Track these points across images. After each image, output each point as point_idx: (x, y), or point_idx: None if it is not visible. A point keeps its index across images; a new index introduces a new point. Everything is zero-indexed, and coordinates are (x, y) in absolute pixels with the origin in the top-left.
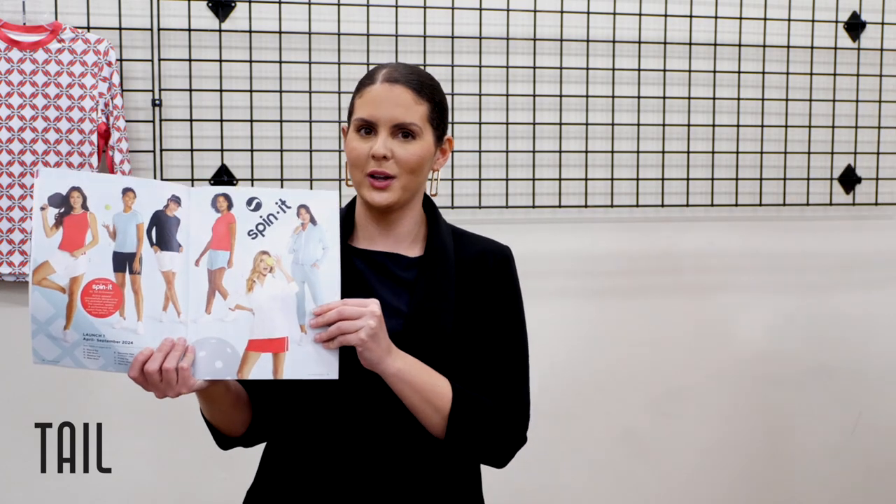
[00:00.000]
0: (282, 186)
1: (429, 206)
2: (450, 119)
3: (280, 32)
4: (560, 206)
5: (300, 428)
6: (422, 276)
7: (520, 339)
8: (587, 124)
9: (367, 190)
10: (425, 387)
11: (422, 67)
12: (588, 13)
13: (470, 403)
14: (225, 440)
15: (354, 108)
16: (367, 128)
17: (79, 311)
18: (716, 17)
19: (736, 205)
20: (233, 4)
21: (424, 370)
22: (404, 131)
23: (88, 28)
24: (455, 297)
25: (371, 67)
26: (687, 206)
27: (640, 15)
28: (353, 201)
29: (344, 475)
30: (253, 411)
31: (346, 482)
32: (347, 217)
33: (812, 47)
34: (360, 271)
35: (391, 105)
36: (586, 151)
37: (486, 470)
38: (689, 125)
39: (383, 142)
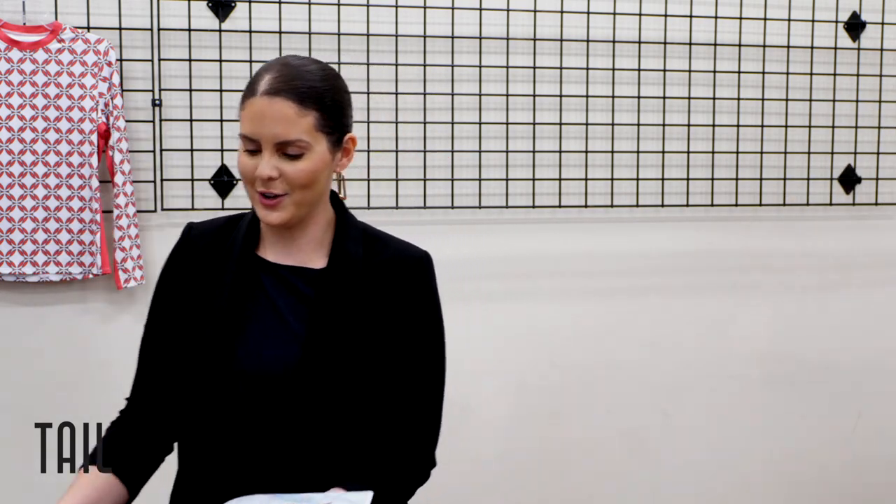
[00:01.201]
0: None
1: (338, 209)
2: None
3: (280, 32)
4: (560, 206)
5: (200, 438)
6: (323, 293)
7: (435, 354)
8: (587, 124)
9: (259, 209)
10: None
11: (314, 61)
12: (588, 13)
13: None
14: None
15: (241, 119)
16: (252, 147)
17: None
18: (716, 17)
19: (736, 205)
20: (233, 4)
21: None
22: (289, 150)
23: (88, 28)
24: (361, 310)
25: (258, 69)
26: (687, 206)
27: (640, 15)
28: None
29: (251, 467)
30: (150, 437)
31: (254, 473)
32: (253, 225)
33: (812, 47)
34: (265, 288)
35: (273, 122)
36: (586, 151)
37: (485, 470)
38: (689, 125)
39: (268, 162)
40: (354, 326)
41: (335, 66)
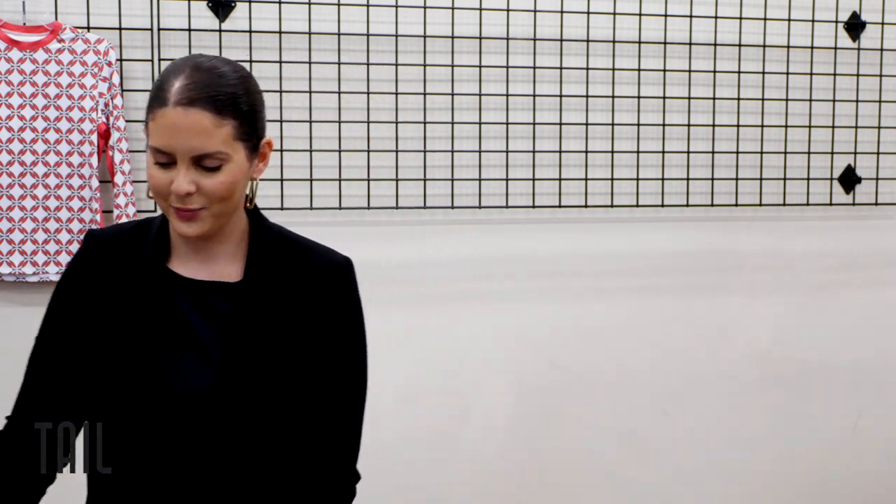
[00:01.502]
0: (282, 186)
1: (253, 216)
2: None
3: (280, 32)
4: (560, 206)
5: (119, 460)
6: (239, 309)
7: (357, 365)
8: (587, 124)
9: (175, 220)
10: None
11: (225, 61)
12: (588, 13)
13: None
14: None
15: (150, 129)
16: (164, 160)
17: None
18: (716, 17)
19: (736, 205)
20: (233, 4)
21: None
22: (206, 163)
23: (88, 28)
24: (281, 323)
25: (163, 72)
26: (687, 206)
27: (640, 15)
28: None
29: (169, 494)
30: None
31: (173, 499)
32: (161, 234)
33: (812, 47)
34: (179, 306)
35: (189, 134)
36: (586, 151)
37: (485, 470)
38: (689, 125)
39: (185, 176)
40: (273, 342)
41: (335, 67)
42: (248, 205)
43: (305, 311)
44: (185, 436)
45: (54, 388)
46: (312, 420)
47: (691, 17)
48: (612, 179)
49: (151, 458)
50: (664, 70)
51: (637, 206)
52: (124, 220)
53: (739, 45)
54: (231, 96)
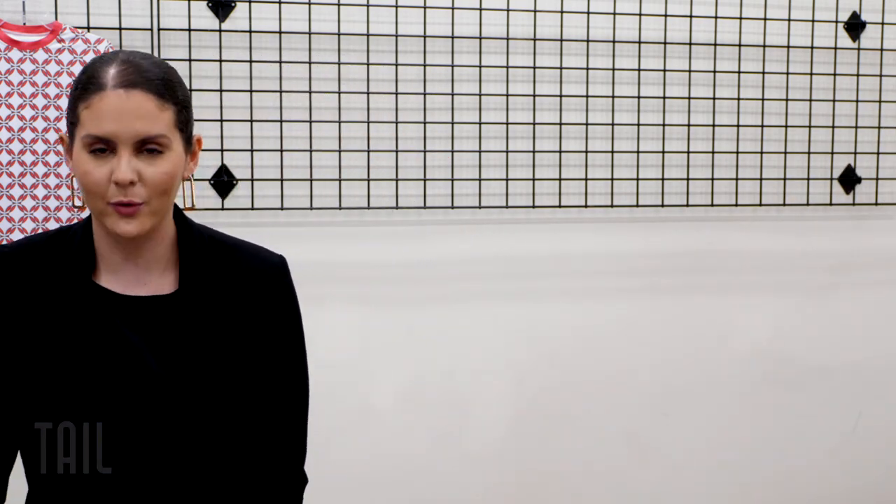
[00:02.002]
0: (281, 186)
1: (180, 220)
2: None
3: (280, 32)
4: (560, 206)
5: (61, 484)
6: (175, 323)
7: (298, 365)
8: (587, 124)
9: (113, 219)
10: None
11: (149, 55)
12: (588, 13)
13: None
14: None
15: (80, 120)
16: (102, 147)
17: None
18: (716, 17)
19: (736, 205)
20: (233, 4)
21: None
22: (150, 146)
23: (88, 28)
24: (219, 331)
25: (87, 66)
26: (687, 206)
27: (640, 15)
28: (88, 224)
29: None
30: None
31: None
32: (84, 243)
33: (812, 47)
34: (109, 317)
35: (132, 117)
36: (586, 151)
37: (485, 470)
38: (689, 125)
39: (127, 163)
40: (211, 350)
41: (335, 67)
42: (188, 206)
43: (242, 315)
44: (129, 449)
45: None
46: (255, 425)
47: (691, 17)
48: (612, 179)
49: (94, 473)
50: (664, 70)
51: (637, 206)
52: None
53: (739, 45)
54: (169, 83)
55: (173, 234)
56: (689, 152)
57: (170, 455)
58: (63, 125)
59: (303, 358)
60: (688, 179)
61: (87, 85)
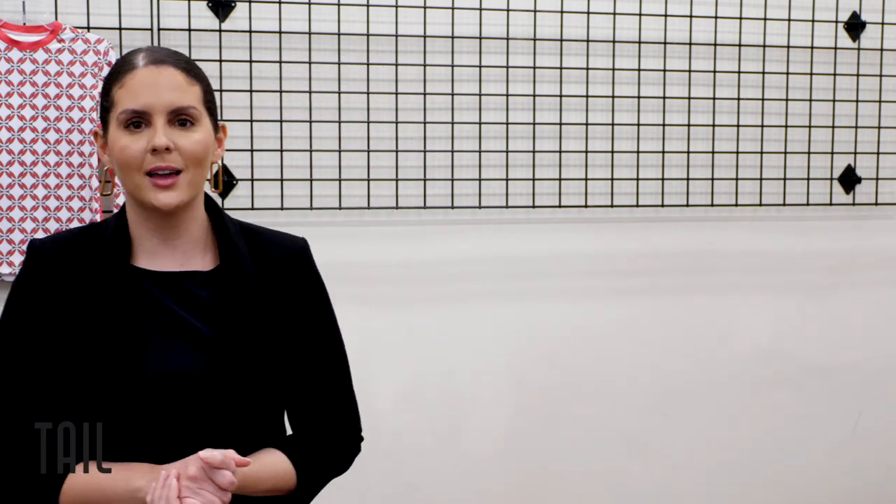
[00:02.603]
0: (281, 186)
1: (211, 207)
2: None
3: (280, 32)
4: (560, 206)
5: (118, 446)
6: (221, 294)
7: (335, 336)
8: (587, 124)
9: (151, 192)
10: (268, 485)
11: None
12: (588, 13)
13: (311, 467)
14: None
15: (115, 101)
16: (138, 120)
17: None
18: (716, 17)
19: (736, 205)
20: (233, 4)
21: (260, 478)
22: (182, 117)
23: (88, 28)
24: (260, 305)
25: (118, 60)
26: (687, 206)
27: (640, 15)
28: (123, 213)
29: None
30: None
31: None
32: (119, 232)
33: (812, 47)
34: (152, 293)
35: (164, 89)
36: (586, 151)
37: (485, 470)
38: (689, 125)
39: (162, 131)
40: (256, 323)
41: (335, 67)
42: (216, 188)
43: (276, 292)
44: (186, 420)
45: (35, 404)
46: (308, 388)
47: (691, 17)
48: (612, 179)
49: (154, 438)
50: (664, 70)
51: (637, 206)
52: None
53: (739, 45)
54: (193, 64)
55: (206, 219)
56: (689, 152)
57: (226, 419)
58: (63, 125)
59: (337, 328)
60: (688, 179)
61: (119, 69)
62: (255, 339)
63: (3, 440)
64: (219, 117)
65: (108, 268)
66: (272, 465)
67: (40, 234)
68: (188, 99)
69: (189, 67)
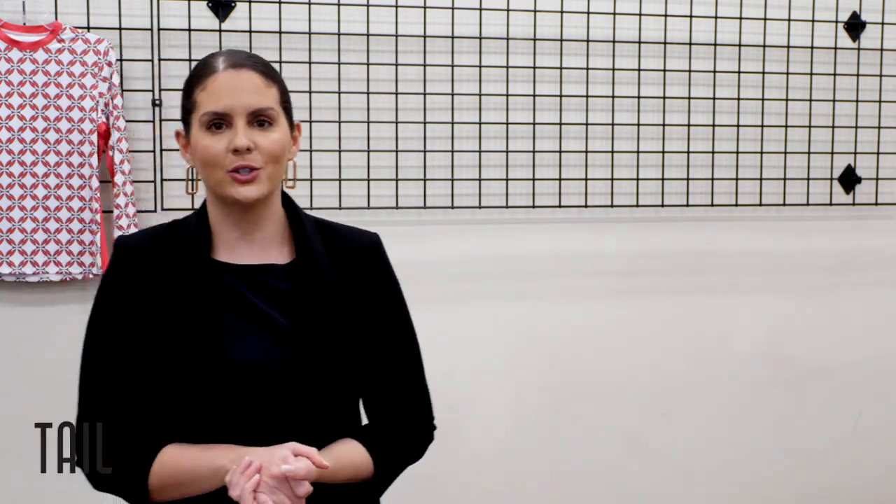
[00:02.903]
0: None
1: (287, 203)
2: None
3: (280, 32)
4: (560, 206)
5: (198, 433)
6: (299, 286)
7: (408, 328)
8: (587, 124)
9: (232, 186)
10: (347, 474)
11: None
12: (588, 13)
13: (387, 456)
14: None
15: (197, 103)
16: (219, 121)
17: None
18: (716, 17)
19: (736, 205)
20: (233, 4)
21: (340, 468)
22: (261, 118)
23: (88, 28)
24: (336, 298)
25: (199, 62)
26: (687, 206)
27: (640, 15)
28: (204, 210)
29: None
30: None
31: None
32: (200, 227)
33: (812, 47)
34: (232, 285)
35: (243, 91)
36: (586, 151)
37: (485, 470)
38: (689, 125)
39: (243, 132)
40: (334, 313)
41: (335, 67)
42: (289, 185)
43: (351, 284)
44: (266, 409)
45: (127, 387)
46: (382, 381)
47: (691, 17)
48: (612, 179)
49: (234, 425)
50: (664, 70)
51: (637, 206)
52: (124, 219)
53: (739, 45)
54: (270, 67)
55: (283, 215)
56: (689, 152)
57: (305, 407)
58: (63, 125)
59: (410, 320)
60: (688, 179)
61: (200, 73)
62: (332, 330)
63: (96, 425)
64: (293, 117)
65: (189, 261)
66: (350, 456)
67: (40, 234)
68: (266, 100)
69: (266, 70)
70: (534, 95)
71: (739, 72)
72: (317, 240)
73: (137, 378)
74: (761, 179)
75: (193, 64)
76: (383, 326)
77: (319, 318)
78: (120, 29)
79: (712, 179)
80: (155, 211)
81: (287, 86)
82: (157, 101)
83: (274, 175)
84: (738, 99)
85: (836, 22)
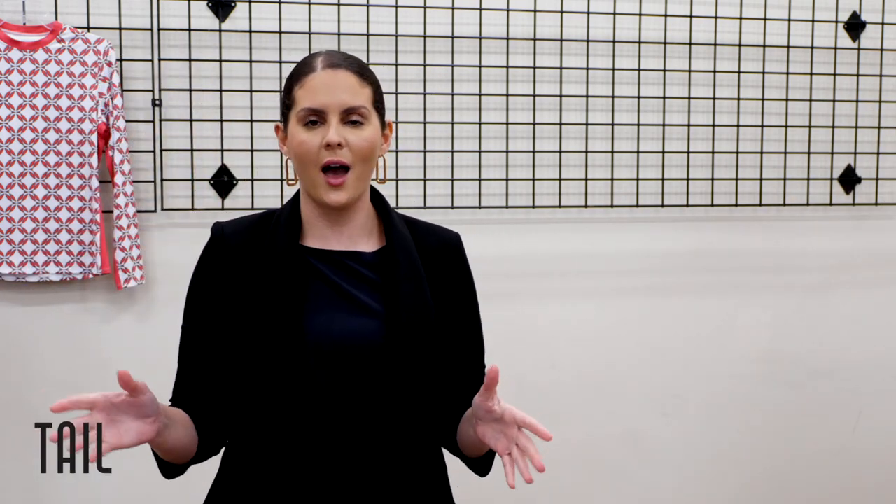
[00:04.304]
0: (281, 186)
1: (377, 197)
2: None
3: (280, 32)
4: (560, 206)
5: (262, 425)
6: (389, 271)
7: (479, 327)
8: (587, 124)
9: (324, 191)
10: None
11: None
12: (588, 13)
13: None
14: (172, 470)
15: (295, 100)
16: (314, 118)
17: None
18: (716, 17)
19: (736, 205)
20: (233, 4)
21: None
22: (354, 117)
23: (88, 28)
24: (421, 286)
25: (301, 61)
26: (687, 206)
27: (640, 15)
28: (297, 198)
29: (308, 473)
30: (201, 431)
31: (311, 479)
32: (293, 216)
33: (812, 47)
34: (319, 269)
35: (338, 90)
36: (586, 151)
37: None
38: (689, 125)
39: (336, 129)
40: (420, 301)
41: None
42: (379, 180)
43: (437, 279)
44: (355, 391)
45: (213, 369)
46: (452, 373)
47: (691, 17)
48: (612, 179)
49: (318, 405)
50: (664, 70)
51: (637, 206)
52: (124, 219)
53: (739, 45)
54: (366, 68)
55: (372, 208)
56: (689, 152)
57: (393, 391)
58: (63, 125)
59: (480, 319)
60: (688, 179)
61: (300, 71)
62: (421, 315)
63: (184, 403)
64: (385, 115)
65: (279, 245)
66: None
67: (40, 234)
68: (360, 100)
69: (361, 71)
70: (534, 95)
71: (739, 72)
72: (406, 232)
73: (225, 358)
74: (761, 179)
75: (193, 65)
76: (459, 321)
77: (409, 304)
78: (120, 29)
79: (712, 179)
80: (155, 211)
81: (380, 87)
82: (157, 101)
83: (363, 174)
84: (738, 99)
85: (836, 22)
